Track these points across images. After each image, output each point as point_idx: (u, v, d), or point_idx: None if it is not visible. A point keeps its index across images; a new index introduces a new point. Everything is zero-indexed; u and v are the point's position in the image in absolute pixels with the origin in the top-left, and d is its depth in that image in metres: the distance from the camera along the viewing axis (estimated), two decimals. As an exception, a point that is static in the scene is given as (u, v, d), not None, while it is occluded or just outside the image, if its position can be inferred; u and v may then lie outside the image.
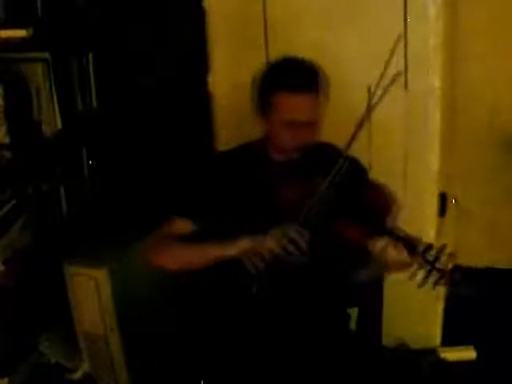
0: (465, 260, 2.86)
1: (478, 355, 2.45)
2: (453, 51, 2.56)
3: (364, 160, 2.02)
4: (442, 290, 2.46)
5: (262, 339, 1.79)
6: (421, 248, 1.50)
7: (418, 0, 2.17)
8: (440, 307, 2.49)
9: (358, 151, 1.90)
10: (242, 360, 1.78)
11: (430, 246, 1.50)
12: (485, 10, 2.59)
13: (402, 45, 2.21)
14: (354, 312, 2.10)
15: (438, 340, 2.51)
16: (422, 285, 1.48)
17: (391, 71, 2.13)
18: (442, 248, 1.49)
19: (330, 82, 1.80)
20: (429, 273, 1.48)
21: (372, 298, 2.46)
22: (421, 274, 1.49)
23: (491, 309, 2.66)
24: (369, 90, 1.81)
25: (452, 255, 1.49)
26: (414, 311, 2.47)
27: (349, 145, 1.68)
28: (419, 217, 2.33)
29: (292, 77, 1.75)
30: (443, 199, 2.55)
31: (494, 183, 2.81)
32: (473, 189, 2.83)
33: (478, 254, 2.87)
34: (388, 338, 2.51)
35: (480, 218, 2.84)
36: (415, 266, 1.50)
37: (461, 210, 2.83)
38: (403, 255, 1.52)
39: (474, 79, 2.68)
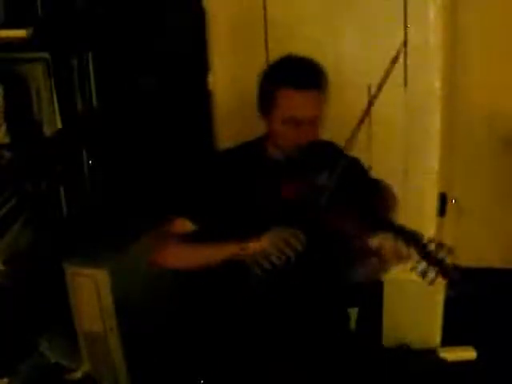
0: (465, 260, 2.87)
1: (478, 355, 2.45)
2: (453, 51, 2.57)
3: (364, 160, 2.02)
4: (441, 290, 2.47)
5: (261, 339, 1.79)
6: (421, 242, 1.50)
7: (418, 0, 2.17)
8: (440, 307, 2.48)
9: (358, 151, 1.91)
10: (241, 360, 1.78)
11: (430, 240, 1.50)
12: (484, 11, 2.60)
13: (401, 45, 2.21)
14: (353, 312, 2.10)
15: (438, 340, 2.51)
16: (423, 278, 1.48)
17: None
18: (441, 243, 1.49)
19: (329, 81, 1.80)
20: (428, 266, 1.47)
21: (372, 298, 2.47)
22: (420, 268, 1.48)
23: (491, 309, 2.66)
24: (369, 89, 1.81)
25: (450, 250, 1.49)
26: (414, 311, 2.47)
27: (351, 139, 1.69)
28: (419, 217, 2.33)
29: (294, 74, 1.75)
30: (443, 199, 2.55)
31: (493, 183, 2.81)
32: (472, 189, 2.83)
33: (478, 253, 2.87)
34: (388, 339, 2.52)
35: (480, 218, 2.84)
36: (414, 260, 1.49)
37: (461, 209, 2.84)
38: (402, 249, 1.52)
39: (474, 79, 2.68)
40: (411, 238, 1.51)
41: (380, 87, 1.70)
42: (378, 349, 2.41)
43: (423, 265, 1.48)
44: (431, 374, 2.36)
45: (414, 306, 2.46)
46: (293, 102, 1.73)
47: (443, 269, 1.47)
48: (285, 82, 1.74)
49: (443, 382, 2.37)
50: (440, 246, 1.48)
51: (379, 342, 2.50)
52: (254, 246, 1.66)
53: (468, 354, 2.46)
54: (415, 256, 1.49)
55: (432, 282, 1.48)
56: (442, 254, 1.47)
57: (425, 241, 1.50)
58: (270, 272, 1.62)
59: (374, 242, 1.56)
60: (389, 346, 2.50)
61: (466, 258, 2.84)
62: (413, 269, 1.49)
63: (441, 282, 2.43)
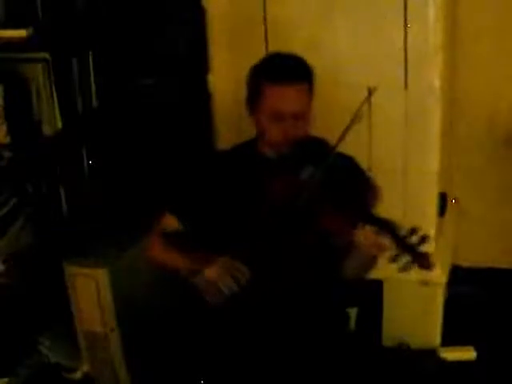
0: (465, 260, 2.88)
1: (478, 355, 2.45)
2: (453, 51, 2.57)
3: (364, 159, 2.01)
4: (441, 290, 2.47)
5: (260, 339, 1.79)
6: (402, 233, 1.49)
7: (418, 0, 2.17)
8: (440, 307, 2.48)
9: (358, 151, 1.91)
10: (241, 360, 1.78)
11: (412, 231, 1.48)
12: (484, 12, 2.60)
13: (402, 45, 2.21)
14: (353, 312, 2.10)
15: (437, 340, 2.51)
16: (403, 270, 1.47)
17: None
18: (415, 228, 1.48)
19: (316, 78, 1.79)
20: (412, 258, 1.46)
21: (371, 298, 2.47)
22: (402, 259, 1.47)
23: (491, 309, 2.66)
24: (368, 90, 1.80)
25: (425, 238, 1.47)
26: (414, 311, 2.47)
27: (339, 140, 1.69)
28: (419, 217, 2.33)
29: (276, 68, 1.75)
30: (443, 199, 2.55)
31: (493, 183, 2.81)
32: (472, 188, 2.83)
33: (478, 253, 2.87)
34: (388, 338, 2.52)
35: (480, 218, 2.85)
36: (396, 251, 1.48)
37: (461, 209, 2.84)
38: (383, 240, 1.51)
39: (474, 80, 2.68)
40: (393, 229, 1.50)
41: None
42: (377, 349, 2.41)
43: (405, 256, 1.47)
44: (431, 374, 2.36)
45: (413, 306, 2.46)
46: (275, 96, 1.73)
47: (417, 257, 1.46)
48: (266, 77, 1.74)
49: (443, 382, 2.37)
50: (422, 237, 1.47)
51: (379, 342, 2.51)
52: (203, 271, 1.67)
53: (468, 353, 2.46)
54: (397, 247, 1.48)
55: (404, 270, 1.46)
56: (415, 242, 1.46)
57: (399, 229, 1.49)
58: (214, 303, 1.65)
59: (358, 235, 1.56)
60: (388, 345, 2.50)
61: (466, 258, 2.87)
62: (393, 261, 1.48)
63: (441, 282, 2.45)
